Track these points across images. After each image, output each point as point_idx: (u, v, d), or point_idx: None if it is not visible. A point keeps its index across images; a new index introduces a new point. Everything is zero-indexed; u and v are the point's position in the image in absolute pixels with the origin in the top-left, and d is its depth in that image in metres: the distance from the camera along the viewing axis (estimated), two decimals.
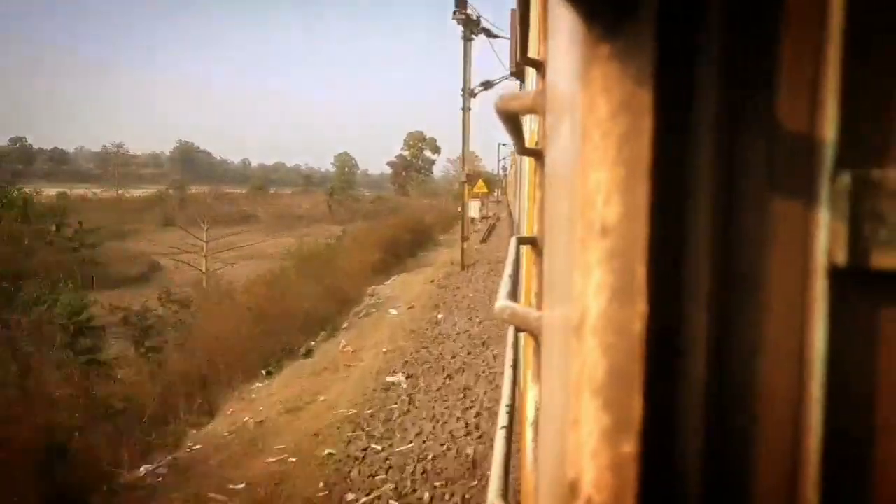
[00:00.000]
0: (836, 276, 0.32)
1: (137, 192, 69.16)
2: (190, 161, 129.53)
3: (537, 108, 0.80)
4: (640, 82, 0.31)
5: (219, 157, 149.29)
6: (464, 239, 19.08)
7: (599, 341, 0.31)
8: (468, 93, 18.64)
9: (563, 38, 0.47)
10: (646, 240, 0.30)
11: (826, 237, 0.32)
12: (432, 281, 16.82)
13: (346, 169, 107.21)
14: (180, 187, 63.64)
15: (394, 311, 13.46)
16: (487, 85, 18.82)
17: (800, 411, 0.33)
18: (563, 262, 0.44)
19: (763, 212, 0.34)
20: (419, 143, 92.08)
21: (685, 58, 0.32)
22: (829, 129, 0.32)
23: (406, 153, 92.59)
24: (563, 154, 0.47)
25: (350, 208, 55.24)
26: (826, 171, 0.32)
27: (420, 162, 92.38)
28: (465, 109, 18.92)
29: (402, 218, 34.16)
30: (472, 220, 30.29)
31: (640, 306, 0.30)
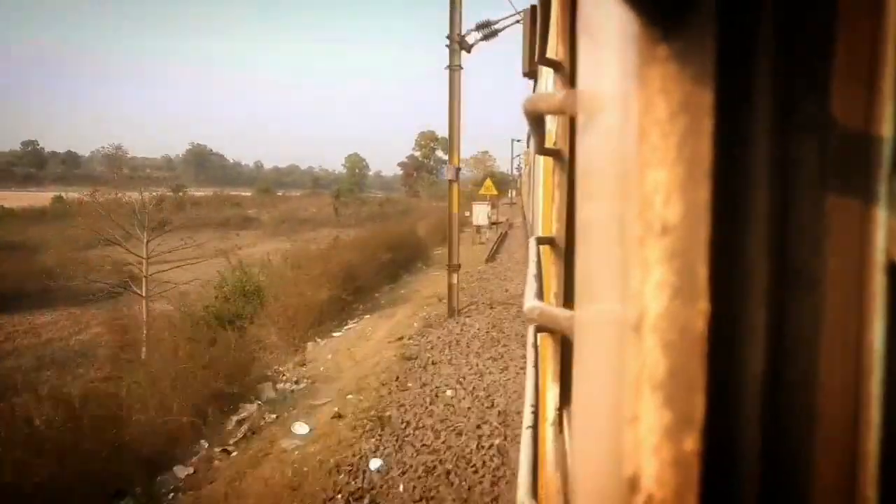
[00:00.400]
0: (895, 273, 0.32)
1: (137, 196, 65.05)
2: (202, 164, 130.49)
3: (567, 109, 0.80)
4: (700, 83, 0.31)
5: (232, 160, 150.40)
6: (452, 270, 12.10)
7: (660, 339, 0.31)
8: (457, 42, 11.62)
9: (605, 38, 0.47)
10: (707, 239, 0.31)
11: (884, 235, 0.33)
12: (401, 338, 10.78)
13: (357, 170, 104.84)
14: (176, 190, 60.99)
15: (301, 430, 7.49)
16: (487, 30, 11.60)
17: (858, 409, 0.33)
18: (608, 263, 0.44)
19: (819, 210, 0.34)
20: (431, 143, 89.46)
21: (742, 57, 0.32)
22: (886, 127, 0.33)
23: (417, 154, 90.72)
24: (605, 155, 0.47)
25: (357, 211, 53.30)
26: (883, 169, 0.33)
27: (432, 163, 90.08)
28: (454, 68, 11.79)
29: (386, 230, 28.40)
30: (479, 229, 27.78)
31: (702, 304, 0.31)
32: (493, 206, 32.42)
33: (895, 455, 0.33)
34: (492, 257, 21.68)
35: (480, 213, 28.80)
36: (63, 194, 58.49)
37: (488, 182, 29.45)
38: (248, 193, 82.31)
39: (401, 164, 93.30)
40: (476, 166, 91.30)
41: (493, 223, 32.27)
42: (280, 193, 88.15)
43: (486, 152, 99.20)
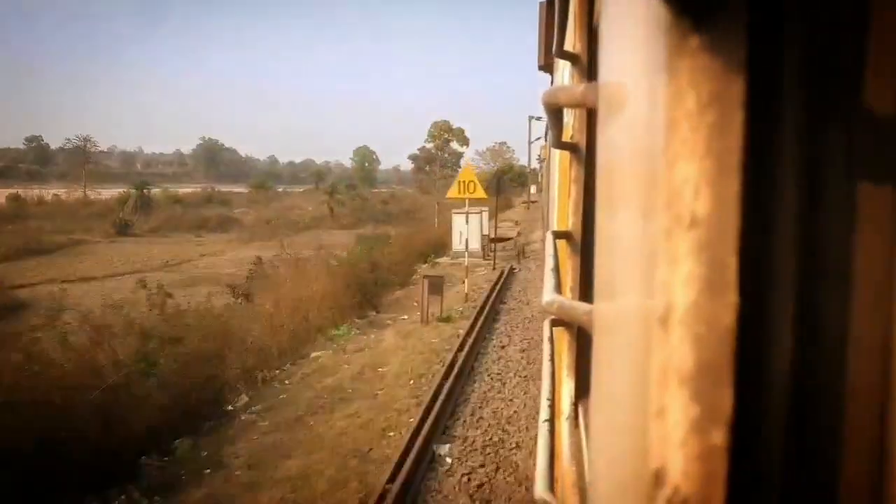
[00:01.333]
0: None
1: (108, 193, 58.45)
2: (213, 159, 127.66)
3: (587, 102, 0.80)
4: (731, 74, 0.31)
5: (244, 155, 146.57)
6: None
7: (688, 332, 0.31)
8: None
9: (628, 31, 0.47)
10: (737, 231, 0.30)
11: None
12: None
13: (367, 164, 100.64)
14: (140, 187, 52.64)
15: None
16: None
17: (885, 406, 0.33)
18: (633, 256, 0.44)
19: (848, 204, 0.33)
20: (445, 133, 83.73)
21: (773, 49, 0.32)
22: None
23: (430, 145, 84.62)
24: (629, 148, 0.47)
25: (357, 209, 47.19)
26: None
27: (446, 155, 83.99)
28: None
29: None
30: (464, 262, 15.03)
31: (731, 298, 0.30)
32: (492, 217, 21.14)
33: None
34: (480, 314, 11.52)
35: (465, 229, 16.53)
36: (21, 192, 54.74)
37: (466, 172, 14.59)
38: (243, 190, 75.37)
39: (412, 157, 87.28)
40: (493, 159, 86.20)
41: (495, 241, 20.65)
42: (280, 189, 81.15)
43: (504, 143, 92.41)
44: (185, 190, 68.84)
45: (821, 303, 0.34)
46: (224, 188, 77.82)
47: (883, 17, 0.33)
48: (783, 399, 0.33)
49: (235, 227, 45.39)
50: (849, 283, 0.34)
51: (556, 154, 2.64)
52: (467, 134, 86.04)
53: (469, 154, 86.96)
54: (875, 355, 0.33)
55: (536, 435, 1.02)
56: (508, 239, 23.11)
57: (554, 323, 1.31)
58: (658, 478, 0.32)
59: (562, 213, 1.90)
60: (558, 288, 1.03)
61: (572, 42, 1.48)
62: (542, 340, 1.24)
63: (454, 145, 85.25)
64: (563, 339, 1.40)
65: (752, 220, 0.31)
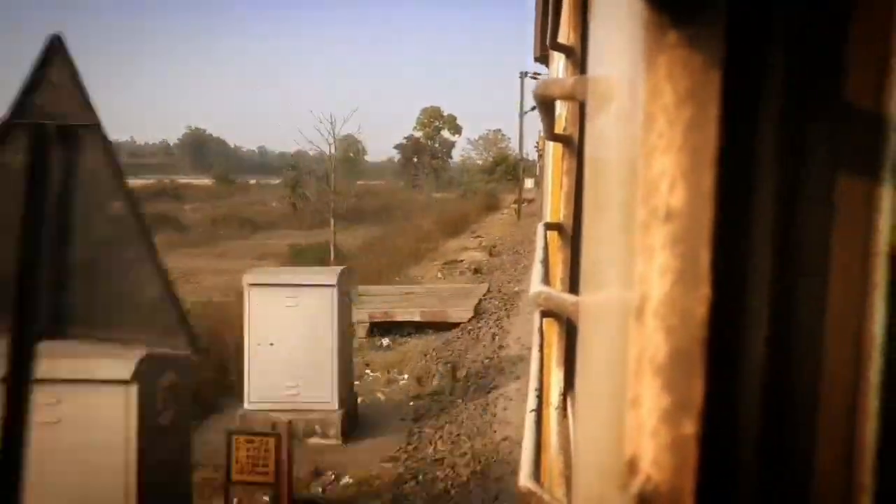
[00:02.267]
0: None
1: None
2: (200, 149, 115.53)
3: (577, 95, 0.80)
4: (709, 70, 0.31)
5: (233, 145, 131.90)
6: None
7: (662, 324, 0.32)
8: None
9: (615, 24, 0.47)
10: (710, 225, 0.31)
11: (888, 222, 0.33)
12: None
13: (351, 154, 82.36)
14: None
15: None
16: None
17: (857, 397, 0.34)
18: (614, 248, 0.45)
19: (825, 199, 0.34)
20: (435, 121, 72.57)
21: (754, 45, 0.32)
22: None
23: (419, 134, 72.57)
24: (613, 140, 0.47)
25: (323, 206, 32.32)
26: (890, 155, 0.33)
27: (437, 145, 73.07)
28: None
29: None
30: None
31: (704, 290, 0.31)
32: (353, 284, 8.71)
33: (893, 443, 0.33)
34: None
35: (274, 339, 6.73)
36: None
37: None
38: (208, 182, 69.57)
39: (399, 147, 73.74)
40: (487, 148, 77.28)
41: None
42: (254, 181, 73.96)
43: (499, 131, 79.82)
44: (140, 182, 57.36)
45: (796, 296, 0.34)
46: (201, 181, 71.01)
47: (866, 13, 0.33)
48: (756, 390, 0.34)
49: (171, 227, 33.50)
50: (824, 276, 0.34)
51: (551, 146, 2.64)
52: (459, 121, 74.99)
53: (461, 143, 77.89)
54: (848, 348, 0.34)
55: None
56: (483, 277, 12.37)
57: (544, 314, 1.32)
58: (632, 466, 0.33)
59: (554, 204, 1.91)
60: (546, 279, 1.03)
61: (566, 34, 1.48)
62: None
63: (446, 134, 74.79)
64: (553, 331, 1.41)
65: (727, 214, 0.32)
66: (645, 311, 0.32)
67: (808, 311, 0.34)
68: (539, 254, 1.17)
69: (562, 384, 1.37)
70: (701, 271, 0.31)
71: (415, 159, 72.23)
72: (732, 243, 0.32)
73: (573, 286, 1.24)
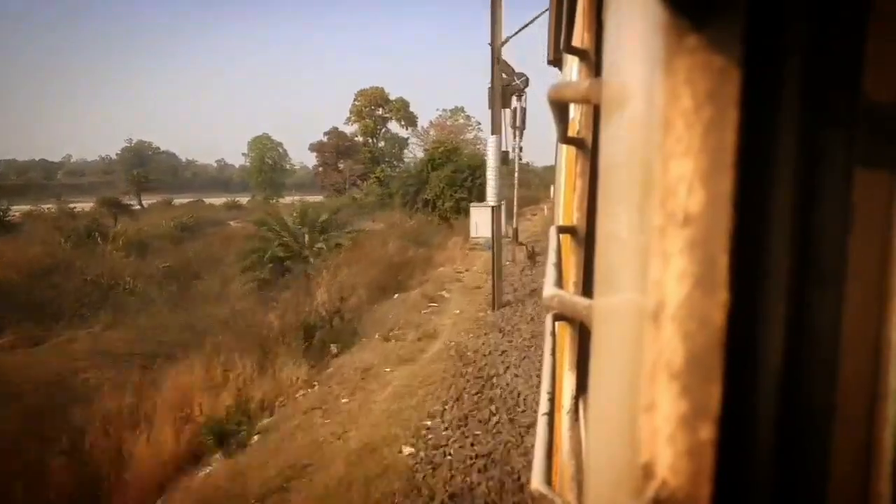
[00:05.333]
0: None
1: None
2: (143, 164, 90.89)
3: (592, 98, 0.80)
4: (727, 74, 0.31)
5: (185, 159, 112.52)
6: None
7: (679, 328, 0.31)
8: None
9: (631, 27, 0.47)
10: (729, 229, 0.31)
11: None
12: None
13: (269, 160, 65.90)
14: None
15: None
16: None
17: (875, 404, 0.33)
18: (629, 251, 0.44)
19: (843, 204, 0.34)
20: (377, 108, 50.20)
21: (772, 49, 0.32)
22: None
23: (355, 127, 49.74)
24: (629, 144, 0.47)
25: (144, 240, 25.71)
26: None
27: (381, 144, 50.67)
28: None
29: None
30: None
31: (722, 295, 0.31)
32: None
33: None
34: None
35: None
36: None
37: None
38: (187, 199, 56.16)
39: (314, 147, 50.94)
40: (441, 135, 46.80)
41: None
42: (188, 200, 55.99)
43: (461, 110, 53.90)
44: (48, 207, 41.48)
45: (813, 302, 0.34)
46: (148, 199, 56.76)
47: (884, 17, 0.33)
48: (773, 396, 0.33)
49: None
50: (842, 282, 0.34)
51: (564, 148, 2.63)
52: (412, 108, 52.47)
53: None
54: (866, 355, 0.34)
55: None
56: None
57: (556, 318, 1.32)
58: (647, 471, 0.32)
59: (567, 207, 1.90)
60: (559, 283, 1.03)
61: (580, 37, 1.48)
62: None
63: (393, 126, 52.46)
64: (565, 334, 1.40)
65: (745, 219, 0.31)
66: (661, 316, 0.32)
67: (826, 317, 0.34)
68: (552, 256, 1.17)
69: (574, 388, 1.36)
70: (719, 276, 0.31)
71: (340, 164, 48.75)
72: (750, 248, 0.32)
73: (586, 289, 1.24)
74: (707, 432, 0.31)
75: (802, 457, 0.34)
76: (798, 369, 0.33)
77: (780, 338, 0.33)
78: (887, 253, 0.33)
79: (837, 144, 0.34)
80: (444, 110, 55.65)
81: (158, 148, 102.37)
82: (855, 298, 0.34)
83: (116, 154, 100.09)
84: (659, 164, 0.33)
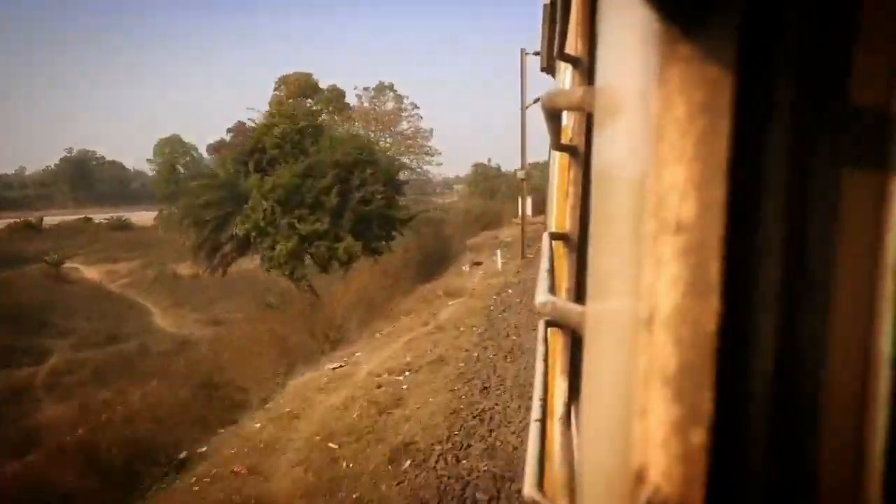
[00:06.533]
0: None
1: None
2: (87, 175, 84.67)
3: (585, 106, 0.80)
4: (720, 83, 0.31)
5: (133, 169, 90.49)
6: None
7: (671, 335, 0.32)
8: None
9: (625, 35, 0.48)
10: (721, 237, 0.31)
11: (895, 236, 0.33)
12: None
13: (176, 167, 49.93)
14: None
15: None
16: None
17: (864, 410, 0.34)
18: (622, 258, 0.45)
19: (834, 210, 0.34)
20: (301, 97, 38.20)
21: (764, 58, 0.33)
22: None
23: (274, 121, 22.83)
24: (622, 151, 0.48)
25: None
26: None
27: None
28: None
29: None
30: None
31: (714, 302, 0.31)
32: None
33: None
34: None
35: None
36: None
37: None
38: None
39: (213, 148, 39.12)
40: (363, 122, 38.66)
41: None
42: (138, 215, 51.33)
43: (390, 87, 43.37)
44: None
45: (804, 308, 0.34)
46: (79, 215, 52.00)
47: (875, 29, 0.33)
48: (764, 402, 0.34)
49: None
50: (832, 289, 0.34)
51: (556, 155, 2.64)
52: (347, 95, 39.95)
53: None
54: (856, 360, 0.34)
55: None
56: None
57: (548, 324, 1.32)
58: (640, 477, 0.33)
59: (560, 214, 1.91)
60: (552, 289, 1.04)
61: (574, 45, 1.49)
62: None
63: (327, 117, 36.69)
64: (557, 340, 1.40)
65: (736, 226, 0.32)
66: (654, 322, 0.32)
67: (817, 324, 0.34)
68: (545, 263, 1.18)
69: (566, 394, 1.37)
70: (711, 283, 0.31)
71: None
72: (742, 255, 0.32)
73: (579, 296, 1.24)
74: (699, 437, 0.31)
75: (793, 462, 0.34)
76: (789, 375, 0.34)
77: (771, 344, 0.33)
78: (877, 261, 0.34)
79: (829, 153, 0.34)
80: (367, 88, 42.81)
81: (104, 157, 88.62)
82: (845, 305, 0.34)
83: (55, 164, 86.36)
84: (652, 172, 0.33)
